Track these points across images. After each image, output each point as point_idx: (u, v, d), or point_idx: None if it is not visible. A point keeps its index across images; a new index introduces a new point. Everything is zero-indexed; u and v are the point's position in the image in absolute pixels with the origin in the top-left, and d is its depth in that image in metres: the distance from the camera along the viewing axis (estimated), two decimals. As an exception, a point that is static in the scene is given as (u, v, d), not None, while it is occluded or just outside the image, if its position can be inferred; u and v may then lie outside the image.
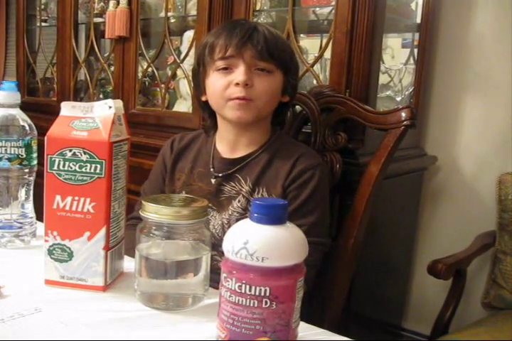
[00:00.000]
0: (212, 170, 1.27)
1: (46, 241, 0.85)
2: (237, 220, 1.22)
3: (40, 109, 2.57)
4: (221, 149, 1.29)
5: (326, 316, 1.33)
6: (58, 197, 0.82)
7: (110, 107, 0.83)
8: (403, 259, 2.07)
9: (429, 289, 2.05)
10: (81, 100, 2.62)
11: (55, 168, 0.82)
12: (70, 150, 0.81)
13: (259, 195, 1.22)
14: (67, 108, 0.84)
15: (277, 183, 1.22)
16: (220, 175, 1.26)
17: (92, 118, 0.83)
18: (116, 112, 0.84)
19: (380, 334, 1.99)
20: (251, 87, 1.18)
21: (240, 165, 1.25)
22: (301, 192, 1.20)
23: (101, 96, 2.56)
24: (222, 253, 1.14)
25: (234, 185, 1.25)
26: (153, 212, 0.77)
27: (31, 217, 1.07)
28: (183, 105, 2.18)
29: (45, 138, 0.82)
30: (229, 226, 1.22)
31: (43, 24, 2.85)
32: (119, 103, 0.86)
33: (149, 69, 2.29)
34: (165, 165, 1.35)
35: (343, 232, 1.33)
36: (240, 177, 1.24)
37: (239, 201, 1.23)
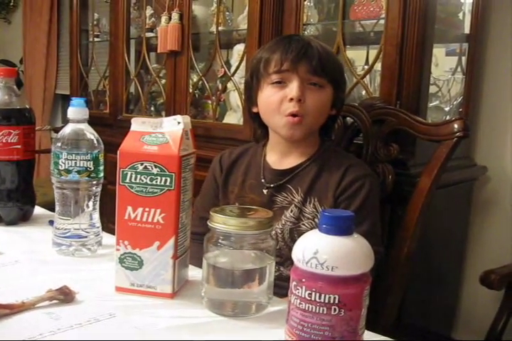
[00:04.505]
0: (263, 181, 1.30)
1: (117, 250, 0.88)
2: (291, 230, 1.25)
3: (93, 121, 2.64)
4: (271, 160, 1.32)
5: (379, 325, 1.34)
6: (130, 208, 0.86)
7: (179, 123, 0.87)
8: (453, 269, 2.05)
9: (480, 300, 2.02)
10: (131, 112, 2.69)
11: (127, 180, 0.86)
12: (142, 164, 0.85)
13: (311, 205, 1.25)
14: (137, 123, 0.88)
15: (328, 193, 1.24)
16: (272, 185, 1.29)
17: (161, 133, 0.86)
18: (185, 127, 0.88)
19: (430, 345, 1.98)
20: (304, 102, 1.21)
21: (290, 176, 1.28)
22: (352, 202, 1.22)
23: (152, 108, 2.63)
24: (276, 264, 1.17)
25: (286, 195, 1.27)
26: (221, 222, 0.80)
27: (98, 227, 1.12)
28: (233, 117, 2.23)
29: (118, 152, 0.86)
30: (282, 237, 1.25)
31: (95, 39, 2.95)
32: (187, 118, 0.90)
33: (199, 82, 2.35)
34: (216, 182, 1.38)
35: (395, 243, 1.34)
36: (291, 187, 1.27)
37: (291, 211, 1.26)
